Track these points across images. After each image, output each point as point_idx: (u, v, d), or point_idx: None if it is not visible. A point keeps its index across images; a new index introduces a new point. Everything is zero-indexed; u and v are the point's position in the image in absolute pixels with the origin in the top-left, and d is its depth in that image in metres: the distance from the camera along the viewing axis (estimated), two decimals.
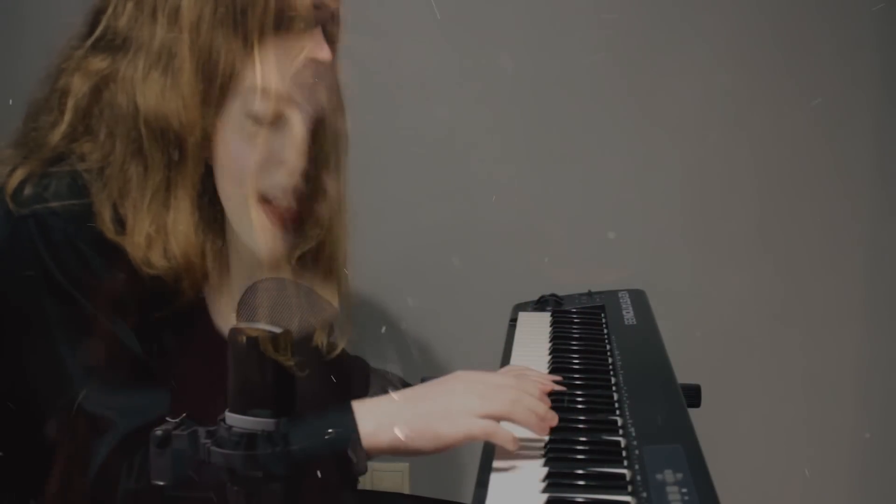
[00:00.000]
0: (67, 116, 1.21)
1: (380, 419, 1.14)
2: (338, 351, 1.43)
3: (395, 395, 1.18)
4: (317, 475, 1.12)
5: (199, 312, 1.23)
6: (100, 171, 1.19)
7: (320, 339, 1.39)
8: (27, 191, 1.17)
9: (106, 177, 1.19)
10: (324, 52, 1.26)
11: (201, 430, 1.01)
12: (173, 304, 1.20)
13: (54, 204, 1.16)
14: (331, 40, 1.29)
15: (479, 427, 1.12)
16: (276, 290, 1.24)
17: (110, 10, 1.22)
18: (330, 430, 1.13)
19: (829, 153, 2.10)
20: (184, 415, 1.06)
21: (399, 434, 1.12)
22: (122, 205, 1.18)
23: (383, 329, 2.13)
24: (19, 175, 1.18)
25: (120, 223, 1.18)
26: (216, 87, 1.19)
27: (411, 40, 2.08)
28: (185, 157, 1.19)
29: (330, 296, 1.36)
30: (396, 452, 1.14)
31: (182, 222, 1.19)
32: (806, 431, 2.16)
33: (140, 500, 1.13)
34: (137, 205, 1.18)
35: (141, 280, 1.19)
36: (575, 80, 2.10)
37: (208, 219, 1.22)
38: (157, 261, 1.18)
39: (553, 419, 1.16)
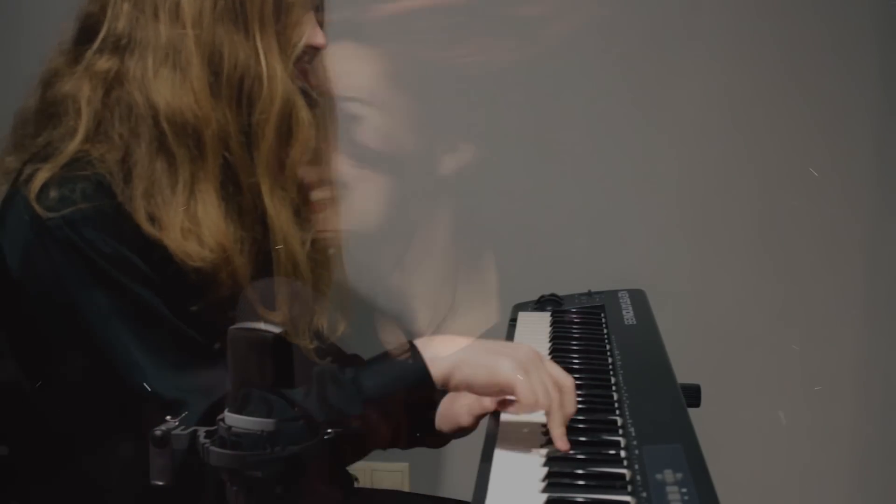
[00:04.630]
0: (84, 120, 1.21)
1: (437, 349, 1.17)
2: (334, 337, 1.43)
3: (447, 337, 1.21)
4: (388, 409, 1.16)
5: (234, 303, 1.23)
6: (121, 172, 1.20)
7: (321, 323, 1.40)
8: (53, 194, 1.17)
9: (133, 177, 1.20)
10: (319, 38, 1.29)
11: (201, 430, 1.01)
12: (211, 296, 1.21)
13: (84, 206, 1.17)
14: (320, 25, 1.31)
15: (515, 373, 1.13)
16: (282, 279, 1.25)
17: (109, 13, 1.23)
18: (396, 361, 1.17)
19: (829, 153, 2.10)
20: (184, 413, 1.06)
21: (454, 361, 1.16)
22: (152, 202, 1.20)
23: (383, 329, 2.13)
24: (41, 179, 1.18)
25: (152, 220, 1.19)
26: (224, 80, 1.21)
27: (410, 40, 2.08)
28: (204, 150, 1.21)
29: (325, 285, 1.37)
30: (448, 382, 1.16)
31: (211, 213, 1.21)
32: (806, 431, 2.16)
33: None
34: (168, 200, 1.20)
35: (176, 275, 1.20)
36: (575, 80, 2.10)
37: (231, 210, 1.24)
38: (197, 252, 1.20)
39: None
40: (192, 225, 1.20)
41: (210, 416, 1.14)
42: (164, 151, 1.21)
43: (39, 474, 1.28)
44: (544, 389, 1.14)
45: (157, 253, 1.19)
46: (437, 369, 1.16)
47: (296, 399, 1.02)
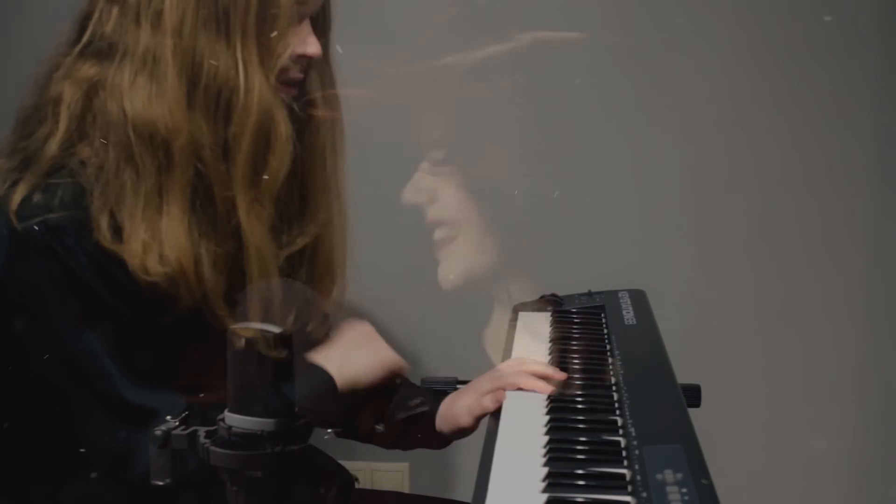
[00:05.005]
0: (62, 125, 1.20)
1: (331, 361, 1.31)
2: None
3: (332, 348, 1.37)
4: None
5: (206, 317, 1.22)
6: (98, 181, 1.19)
7: (318, 333, 1.40)
8: (34, 200, 1.17)
9: (102, 184, 1.18)
10: (311, 47, 1.26)
11: (201, 430, 1.02)
12: (171, 310, 1.20)
13: (59, 214, 1.16)
14: (320, 34, 1.29)
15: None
16: (273, 291, 1.25)
17: (96, 16, 1.22)
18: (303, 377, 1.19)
19: (829, 153, 2.10)
20: (185, 413, 1.06)
21: (355, 364, 1.33)
22: (118, 212, 1.18)
23: (382, 329, 2.13)
24: (21, 190, 1.17)
25: (117, 231, 1.18)
26: (201, 91, 1.19)
27: (410, 40, 2.08)
28: (173, 162, 1.19)
29: (327, 292, 1.37)
30: (360, 383, 1.34)
31: (175, 228, 1.19)
32: (806, 431, 2.16)
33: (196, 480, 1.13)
34: (133, 212, 1.18)
35: (135, 287, 1.19)
36: (575, 80, 2.10)
37: (201, 223, 1.22)
38: (154, 267, 1.18)
39: None
40: (153, 240, 1.18)
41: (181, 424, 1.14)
42: (131, 162, 1.19)
43: (16, 477, 1.27)
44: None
45: (119, 264, 1.18)
46: (344, 374, 1.33)
47: (234, 449, 1.02)
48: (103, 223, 1.17)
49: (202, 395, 1.20)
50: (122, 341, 1.19)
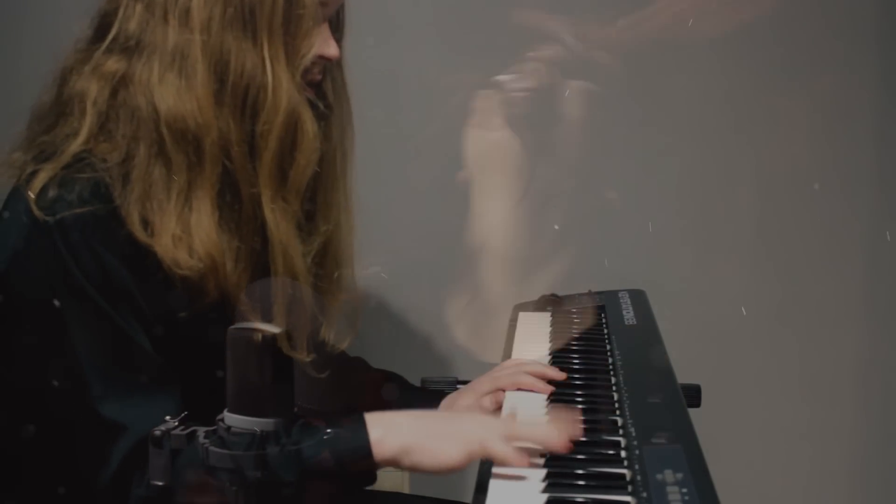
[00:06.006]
0: (89, 120, 1.21)
1: (388, 428, 1.14)
2: (340, 349, 1.43)
3: (404, 413, 1.20)
4: (324, 479, 1.13)
5: (228, 313, 1.22)
6: (121, 175, 1.19)
7: (327, 335, 1.39)
8: (51, 194, 1.17)
9: (132, 180, 1.19)
10: (332, 49, 1.27)
11: (200, 430, 1.01)
12: (197, 305, 1.21)
13: (79, 210, 1.16)
14: (336, 36, 1.31)
15: (477, 445, 1.11)
16: (279, 290, 1.24)
17: (121, 13, 1.22)
18: (341, 434, 1.13)
19: (829, 153, 2.10)
20: (184, 413, 1.06)
21: (403, 445, 1.13)
22: (147, 207, 1.19)
23: (383, 329, 2.13)
24: (42, 179, 1.17)
25: (145, 225, 1.19)
26: (229, 88, 1.20)
27: (411, 39, 2.08)
28: (203, 158, 1.20)
29: (335, 294, 1.36)
30: (398, 464, 1.15)
31: (205, 223, 1.20)
32: (806, 431, 2.16)
33: None
34: (163, 206, 1.19)
35: (164, 281, 1.19)
36: (575, 79, 2.09)
37: (228, 219, 1.23)
38: (185, 261, 1.19)
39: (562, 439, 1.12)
40: (184, 233, 1.19)
41: (148, 443, 1.12)
42: (162, 157, 1.20)
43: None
44: (506, 451, 1.10)
45: (147, 258, 1.18)
46: (384, 450, 1.13)
47: (233, 449, 1.01)
48: (135, 218, 1.18)
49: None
50: (109, 347, 1.18)
